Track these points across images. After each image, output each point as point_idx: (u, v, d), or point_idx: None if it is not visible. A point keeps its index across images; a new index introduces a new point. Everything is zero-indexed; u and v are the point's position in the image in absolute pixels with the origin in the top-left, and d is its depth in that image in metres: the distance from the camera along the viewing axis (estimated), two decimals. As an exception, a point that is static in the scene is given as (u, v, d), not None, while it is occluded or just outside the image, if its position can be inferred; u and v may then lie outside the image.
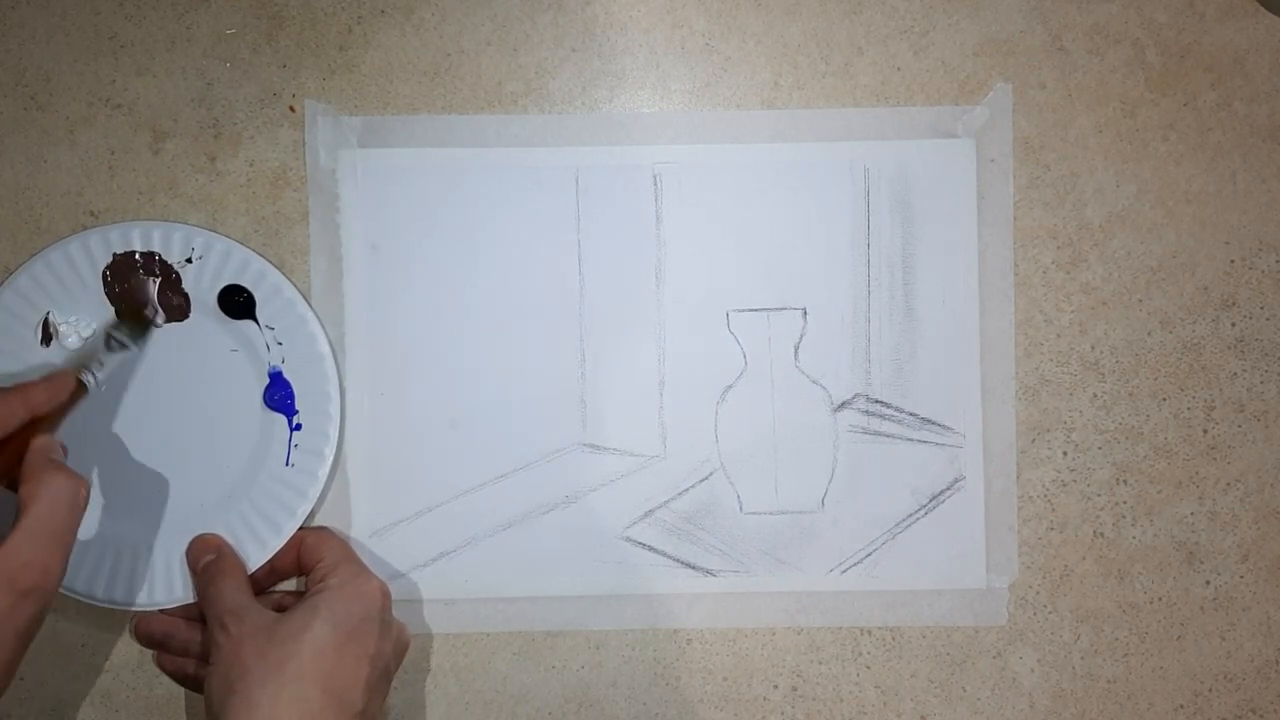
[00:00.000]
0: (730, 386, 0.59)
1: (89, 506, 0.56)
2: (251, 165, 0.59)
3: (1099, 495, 0.59)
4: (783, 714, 0.59)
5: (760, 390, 0.59)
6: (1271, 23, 0.58)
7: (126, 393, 0.58)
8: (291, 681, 0.48)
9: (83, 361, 0.55)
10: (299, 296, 0.57)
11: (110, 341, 0.56)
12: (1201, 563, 0.59)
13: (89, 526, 0.57)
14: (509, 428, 0.59)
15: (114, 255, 0.57)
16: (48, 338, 0.58)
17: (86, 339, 0.57)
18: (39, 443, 0.48)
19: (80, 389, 0.53)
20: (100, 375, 0.55)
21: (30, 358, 0.57)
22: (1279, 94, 0.58)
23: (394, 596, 0.58)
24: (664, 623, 0.59)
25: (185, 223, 0.58)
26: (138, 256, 0.57)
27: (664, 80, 0.59)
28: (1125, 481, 0.59)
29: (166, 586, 0.57)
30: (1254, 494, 0.58)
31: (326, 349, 0.58)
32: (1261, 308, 0.58)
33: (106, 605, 0.57)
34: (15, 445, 0.48)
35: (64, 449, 0.50)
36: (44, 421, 0.50)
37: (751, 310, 0.59)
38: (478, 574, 0.59)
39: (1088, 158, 0.58)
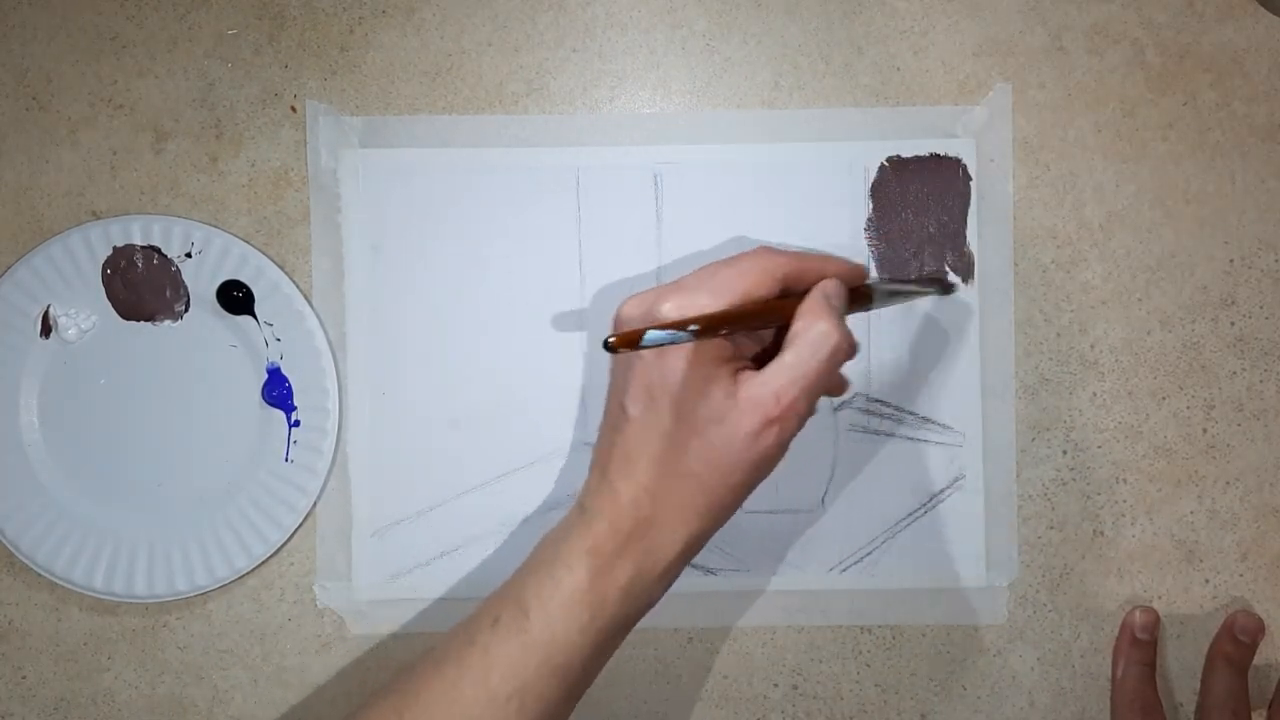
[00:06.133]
0: (730, 386, 0.59)
1: (89, 498, 0.58)
2: (253, 165, 0.59)
3: (1098, 494, 0.59)
4: (783, 712, 0.59)
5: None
6: (1271, 22, 0.58)
7: (127, 386, 0.58)
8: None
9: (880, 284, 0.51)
10: (297, 293, 0.58)
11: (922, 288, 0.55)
12: (1201, 561, 0.59)
13: (89, 517, 0.58)
14: (510, 427, 0.59)
15: (114, 248, 0.58)
16: (47, 330, 0.58)
17: (86, 331, 0.58)
18: (824, 284, 0.46)
19: (866, 296, 0.49)
20: (879, 303, 0.51)
21: (29, 350, 0.58)
22: (1278, 94, 0.58)
23: (394, 596, 0.59)
24: (664, 621, 0.59)
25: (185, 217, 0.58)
26: (137, 250, 0.58)
27: (664, 80, 0.59)
28: (1125, 480, 0.59)
29: (167, 579, 0.58)
30: (1253, 493, 0.59)
31: (324, 345, 0.58)
32: (1261, 307, 0.58)
33: (107, 597, 0.58)
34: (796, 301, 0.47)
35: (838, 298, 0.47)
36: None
37: (752, 310, 0.59)
38: (478, 574, 0.59)
39: (1087, 157, 0.59)
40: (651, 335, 0.42)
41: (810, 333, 0.45)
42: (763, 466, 0.45)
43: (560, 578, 0.45)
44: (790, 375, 0.44)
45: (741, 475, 0.45)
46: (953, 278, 0.58)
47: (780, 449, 0.45)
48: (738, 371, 0.45)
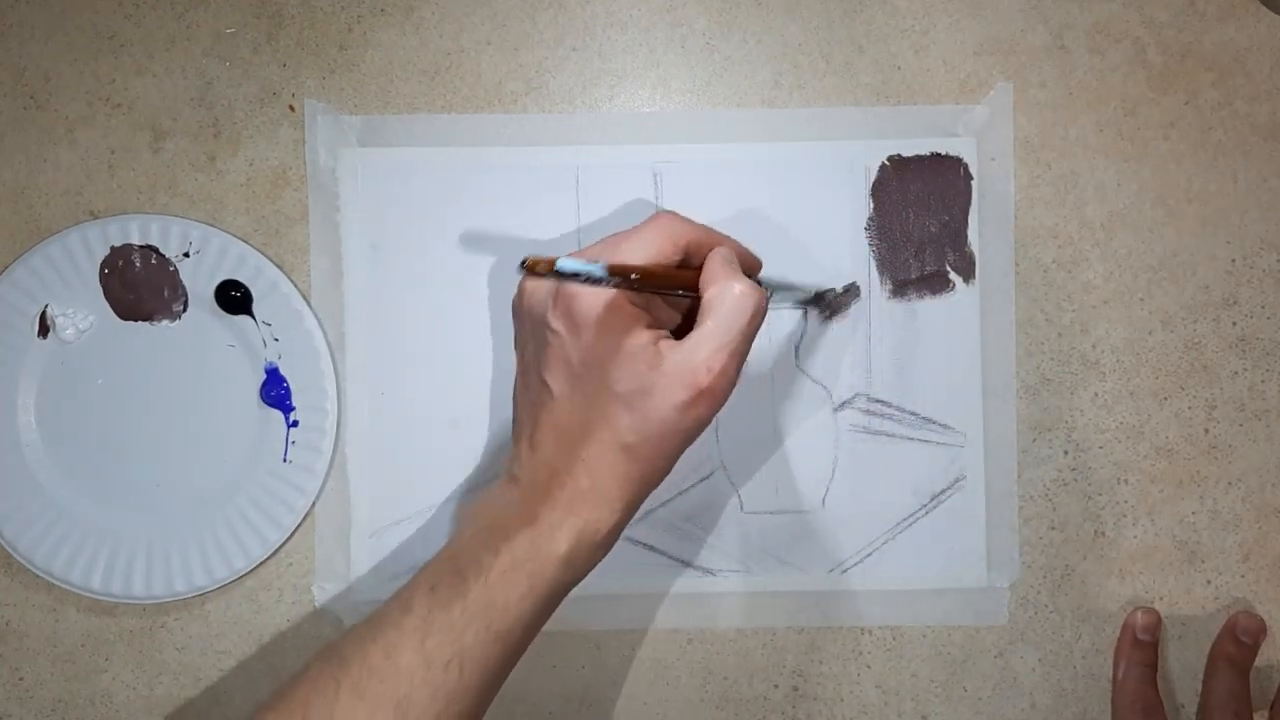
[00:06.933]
0: (730, 386, 0.59)
1: (87, 499, 0.58)
2: (251, 164, 0.59)
3: (1100, 494, 0.58)
4: (783, 714, 0.59)
5: (761, 390, 0.59)
6: (1272, 21, 0.58)
7: (125, 386, 0.58)
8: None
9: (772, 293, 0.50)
10: (295, 292, 0.58)
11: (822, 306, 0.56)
12: (1203, 562, 0.59)
13: (87, 517, 0.58)
14: (509, 428, 0.59)
15: (111, 248, 0.58)
16: (45, 330, 0.58)
17: (84, 331, 0.58)
18: (718, 250, 0.47)
19: (762, 299, 0.48)
20: (771, 300, 0.49)
21: (27, 350, 0.58)
22: (1280, 93, 0.58)
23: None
24: (664, 622, 0.59)
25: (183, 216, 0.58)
26: (135, 249, 0.58)
27: (664, 79, 0.59)
28: (1126, 481, 0.58)
29: (165, 580, 0.58)
30: (1255, 493, 0.58)
31: (323, 345, 0.58)
32: (1263, 307, 0.58)
33: (105, 598, 0.57)
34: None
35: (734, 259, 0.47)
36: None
37: (752, 309, 0.58)
38: (478, 574, 0.59)
39: (1088, 156, 0.58)
40: (564, 263, 0.42)
41: (727, 297, 0.44)
42: (694, 433, 0.45)
43: (498, 547, 0.45)
44: (717, 342, 0.44)
45: (674, 444, 0.45)
46: (834, 288, 0.58)
47: (712, 416, 0.45)
48: (658, 341, 0.45)
